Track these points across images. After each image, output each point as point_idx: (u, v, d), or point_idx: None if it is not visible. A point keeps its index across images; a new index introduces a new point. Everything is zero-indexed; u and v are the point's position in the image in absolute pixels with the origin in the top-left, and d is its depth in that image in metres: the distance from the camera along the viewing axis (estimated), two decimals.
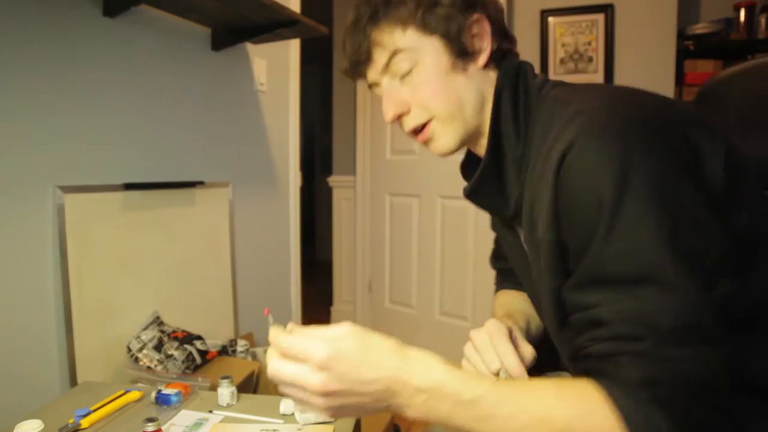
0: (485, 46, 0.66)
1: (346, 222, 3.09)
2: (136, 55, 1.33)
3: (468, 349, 0.70)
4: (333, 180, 3.16)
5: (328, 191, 3.21)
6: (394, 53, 0.65)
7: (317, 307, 3.41)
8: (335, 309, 3.19)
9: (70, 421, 0.72)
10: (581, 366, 0.52)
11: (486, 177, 0.66)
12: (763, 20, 2.14)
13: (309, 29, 1.57)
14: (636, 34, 2.34)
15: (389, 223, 2.82)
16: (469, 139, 0.69)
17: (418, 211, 2.66)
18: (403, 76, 0.65)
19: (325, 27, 1.62)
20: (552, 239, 0.55)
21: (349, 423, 0.74)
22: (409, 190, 2.70)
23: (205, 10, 1.40)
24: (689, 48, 2.25)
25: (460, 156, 0.77)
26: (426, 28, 0.64)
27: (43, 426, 0.66)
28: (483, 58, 0.66)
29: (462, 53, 0.65)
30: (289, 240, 2.04)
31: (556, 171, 0.52)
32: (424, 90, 0.65)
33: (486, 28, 0.66)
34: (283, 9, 1.43)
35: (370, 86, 0.71)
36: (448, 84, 0.65)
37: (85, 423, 0.73)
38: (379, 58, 0.66)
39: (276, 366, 0.51)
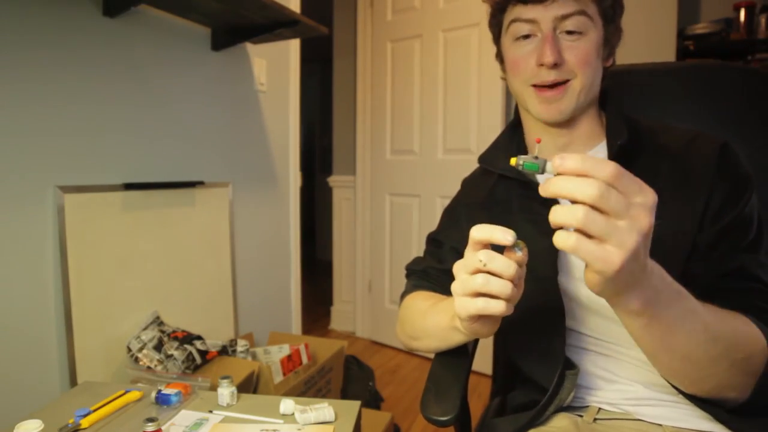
0: (614, 52, 0.80)
1: (346, 222, 3.09)
2: (136, 55, 1.33)
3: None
4: (333, 180, 3.16)
5: (328, 191, 3.21)
6: (581, 12, 0.72)
7: (317, 307, 3.41)
8: (335, 309, 3.19)
9: (70, 421, 0.72)
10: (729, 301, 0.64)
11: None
12: (763, 20, 2.13)
13: (309, 29, 1.57)
14: (636, 34, 2.33)
15: (389, 223, 2.82)
16: (574, 114, 0.77)
17: (418, 211, 2.66)
18: (570, 34, 0.72)
19: (325, 27, 1.62)
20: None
21: (349, 423, 0.74)
22: (409, 190, 2.70)
23: (205, 10, 1.40)
24: (689, 48, 2.25)
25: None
26: (605, 14, 0.75)
27: (43, 426, 0.66)
28: (611, 61, 0.80)
29: (608, 49, 0.78)
30: (289, 240, 2.04)
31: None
32: (584, 56, 0.73)
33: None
34: (283, 9, 1.43)
35: (516, 21, 0.75)
36: (596, 63, 0.75)
37: (85, 423, 0.73)
38: (567, 5, 0.71)
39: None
